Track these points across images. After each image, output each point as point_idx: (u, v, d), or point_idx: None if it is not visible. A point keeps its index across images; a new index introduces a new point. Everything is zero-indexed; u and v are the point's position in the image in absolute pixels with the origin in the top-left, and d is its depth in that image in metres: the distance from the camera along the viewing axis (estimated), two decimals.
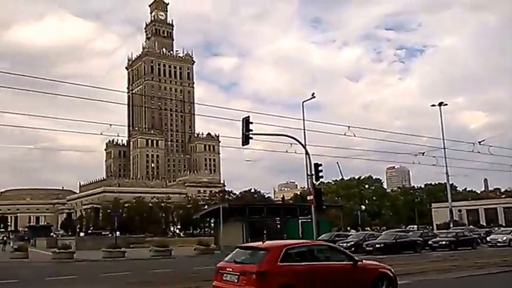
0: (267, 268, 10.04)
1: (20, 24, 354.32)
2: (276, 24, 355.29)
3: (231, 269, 10.53)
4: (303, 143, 32.14)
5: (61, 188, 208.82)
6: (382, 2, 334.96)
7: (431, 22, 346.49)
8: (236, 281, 10.18)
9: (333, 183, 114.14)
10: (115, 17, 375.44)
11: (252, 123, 26.91)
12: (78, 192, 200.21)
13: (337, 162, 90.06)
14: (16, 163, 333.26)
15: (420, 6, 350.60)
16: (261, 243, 11.79)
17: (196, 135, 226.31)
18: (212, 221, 62.34)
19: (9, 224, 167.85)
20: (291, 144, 32.46)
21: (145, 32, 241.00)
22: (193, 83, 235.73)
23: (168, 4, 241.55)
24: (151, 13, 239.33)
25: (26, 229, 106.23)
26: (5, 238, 62.09)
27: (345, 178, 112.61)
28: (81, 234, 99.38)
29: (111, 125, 33.95)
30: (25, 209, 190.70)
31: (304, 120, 36.71)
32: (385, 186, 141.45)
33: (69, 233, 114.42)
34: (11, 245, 44.52)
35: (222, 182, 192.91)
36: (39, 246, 55.26)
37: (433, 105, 52.86)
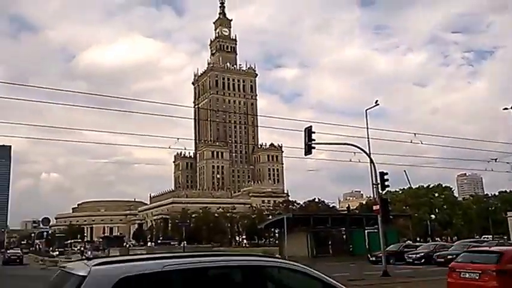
0: (505, 267, 11.98)
1: (95, 47, 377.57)
2: (338, 33, 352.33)
3: (470, 268, 12.59)
4: (367, 151, 31.49)
5: (133, 200, 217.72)
6: (447, 5, 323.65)
7: (501, 22, 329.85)
8: (477, 277, 12.23)
9: (400, 192, 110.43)
10: (182, 36, 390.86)
11: (314, 132, 26.69)
12: (149, 203, 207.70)
13: (405, 171, 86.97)
14: (92, 177, 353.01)
15: (488, 6, 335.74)
16: (488, 247, 16.23)
17: (259, 146, 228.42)
18: (276, 231, 62.37)
19: (85, 234, 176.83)
20: (355, 153, 31.94)
21: (210, 48, 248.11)
22: (256, 95, 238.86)
23: (231, 20, 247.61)
24: (215, 30, 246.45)
25: (101, 239, 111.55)
26: (82, 248, 65.26)
27: (413, 186, 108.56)
28: (149, 244, 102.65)
29: (178, 138, 35.68)
30: (100, 220, 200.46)
31: (367, 128, 35.92)
32: (456, 194, 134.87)
33: (141, 243, 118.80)
34: (88, 255, 46.86)
35: (285, 191, 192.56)
36: (112, 256, 57.69)
37: (505, 109, 49.93)
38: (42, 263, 43.05)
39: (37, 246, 79.36)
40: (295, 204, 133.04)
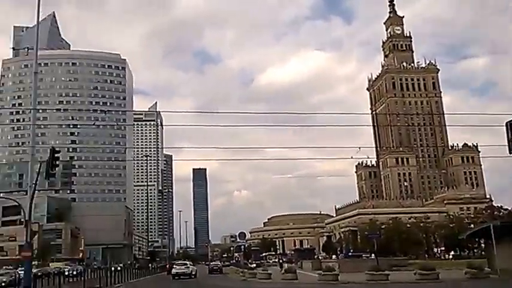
0: None
1: (271, 68, 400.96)
2: None
3: None
4: None
5: (319, 212, 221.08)
6: None
7: None
8: None
9: None
10: (352, 42, 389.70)
11: None
12: (334, 215, 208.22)
13: None
14: (278, 191, 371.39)
15: None
16: None
17: (450, 148, 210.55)
18: (482, 241, 55.85)
19: (277, 247, 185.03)
20: None
21: (383, 49, 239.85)
22: (440, 92, 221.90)
23: (403, 17, 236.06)
24: (386, 30, 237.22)
25: (293, 252, 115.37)
26: (280, 261, 69.58)
27: None
28: (334, 256, 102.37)
29: (359, 148, 34.30)
30: (289, 233, 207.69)
31: None
32: None
33: (332, 255, 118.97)
34: (285, 266, 49.04)
35: (487, 196, 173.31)
36: (305, 268, 58.22)
37: None
38: (243, 274, 46.16)
39: (236, 259, 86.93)
40: (502, 210, 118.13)
